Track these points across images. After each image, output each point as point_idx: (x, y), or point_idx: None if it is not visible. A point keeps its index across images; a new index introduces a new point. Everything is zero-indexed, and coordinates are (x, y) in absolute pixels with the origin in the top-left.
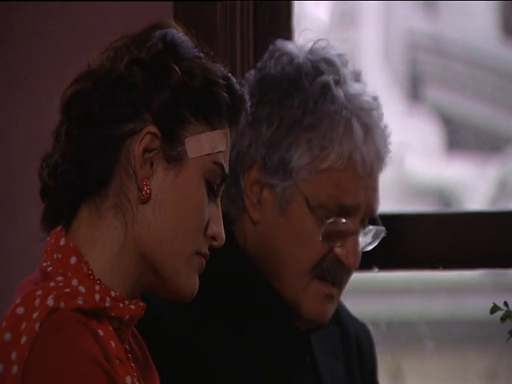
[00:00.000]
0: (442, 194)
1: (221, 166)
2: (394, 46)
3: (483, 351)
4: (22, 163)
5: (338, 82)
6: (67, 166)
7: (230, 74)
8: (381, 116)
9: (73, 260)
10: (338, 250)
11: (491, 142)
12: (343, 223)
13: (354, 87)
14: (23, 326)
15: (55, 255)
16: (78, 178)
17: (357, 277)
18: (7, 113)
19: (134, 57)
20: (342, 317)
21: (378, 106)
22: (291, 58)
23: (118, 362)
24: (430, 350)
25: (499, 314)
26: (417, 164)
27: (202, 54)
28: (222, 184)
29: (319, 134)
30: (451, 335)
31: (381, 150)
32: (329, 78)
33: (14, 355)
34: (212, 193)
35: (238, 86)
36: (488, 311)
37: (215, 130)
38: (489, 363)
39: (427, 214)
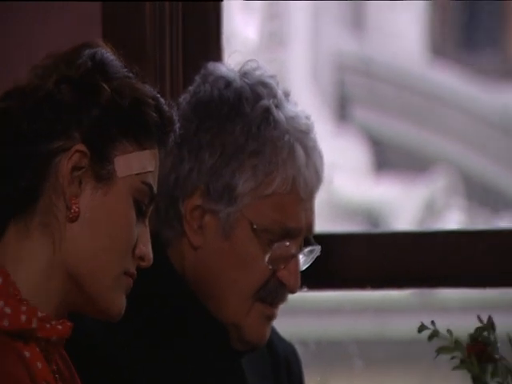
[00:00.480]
0: (370, 213)
1: (149, 186)
2: (323, 66)
3: (411, 370)
4: None
5: (277, 106)
6: None
7: (158, 95)
8: (316, 137)
9: None
10: (281, 273)
11: (418, 163)
12: (286, 246)
13: (290, 109)
14: None
15: None
16: (5, 195)
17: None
18: None
19: (62, 74)
20: (271, 338)
21: (313, 127)
22: (228, 82)
23: (44, 383)
24: (359, 369)
25: (427, 333)
26: (345, 184)
27: (131, 74)
28: (151, 204)
29: (264, 160)
30: (380, 354)
31: (319, 172)
32: (269, 102)
33: None
34: (140, 213)
35: (166, 107)
36: (416, 330)
37: (145, 149)
38: (417, 382)
39: (356, 234)
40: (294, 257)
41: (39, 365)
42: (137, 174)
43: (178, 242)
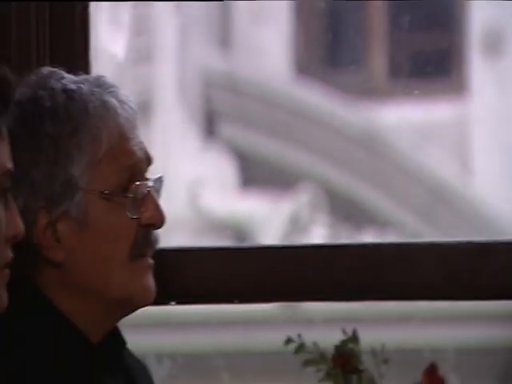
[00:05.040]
0: (236, 228)
1: (8, 172)
2: (190, 82)
3: (278, 382)
4: None
5: (61, 79)
6: None
7: None
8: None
9: None
10: (144, 217)
11: (284, 179)
12: (137, 186)
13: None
14: None
15: None
16: None
17: (154, 310)
18: None
19: None
20: (128, 363)
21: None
22: (23, 94)
23: None
24: (226, 382)
25: (293, 345)
26: (212, 199)
27: None
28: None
29: (84, 131)
30: (246, 367)
31: (132, 105)
32: (61, 84)
33: None
34: (4, 195)
35: None
36: (282, 343)
37: None
38: None
39: (222, 248)
40: (149, 193)
41: None
42: None
43: (40, 274)
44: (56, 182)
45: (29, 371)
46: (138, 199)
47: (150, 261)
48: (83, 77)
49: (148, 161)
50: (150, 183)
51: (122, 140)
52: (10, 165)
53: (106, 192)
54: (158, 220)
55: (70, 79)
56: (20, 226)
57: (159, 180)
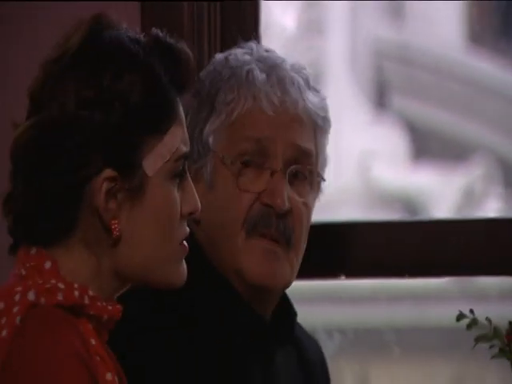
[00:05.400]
0: (408, 201)
1: (183, 156)
2: (361, 54)
3: (449, 358)
4: None
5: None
6: (29, 219)
7: (168, 45)
8: (289, 62)
9: (47, 264)
10: (264, 196)
11: (457, 150)
12: (260, 162)
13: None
14: (3, 320)
15: (28, 264)
16: (42, 229)
17: (324, 284)
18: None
19: (80, 99)
20: (298, 337)
21: (282, 57)
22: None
23: (98, 358)
24: (397, 357)
25: (465, 321)
26: (383, 172)
27: (138, 50)
28: (186, 161)
29: (222, 94)
30: (417, 342)
31: (290, 92)
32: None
33: None
34: (180, 178)
35: (180, 52)
36: (454, 319)
37: (167, 130)
38: (455, 370)
39: (393, 222)
40: (275, 175)
41: (93, 341)
42: (168, 160)
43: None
44: (194, 140)
45: (208, 343)
46: (257, 175)
47: (274, 247)
48: (250, 47)
49: (290, 151)
50: (279, 166)
51: (255, 111)
52: (185, 149)
53: (229, 160)
54: (276, 204)
55: (237, 50)
56: (195, 203)
57: (298, 174)
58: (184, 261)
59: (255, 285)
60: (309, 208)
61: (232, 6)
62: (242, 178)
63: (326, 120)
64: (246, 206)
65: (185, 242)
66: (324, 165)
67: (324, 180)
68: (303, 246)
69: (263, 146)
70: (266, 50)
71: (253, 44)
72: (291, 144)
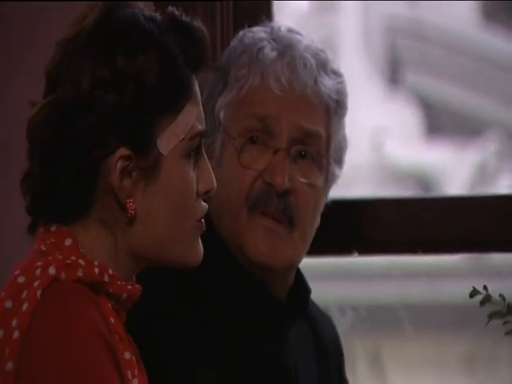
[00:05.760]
0: (421, 178)
1: (198, 134)
2: (374, 30)
3: (462, 335)
4: None
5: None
6: (46, 198)
7: (184, 23)
8: (305, 42)
9: (68, 241)
10: (265, 174)
11: (470, 127)
12: (265, 140)
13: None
14: (24, 294)
15: (48, 240)
16: (59, 208)
17: (336, 261)
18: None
19: (95, 79)
20: (312, 314)
21: (302, 37)
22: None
23: (117, 337)
24: (410, 334)
25: (479, 297)
26: (396, 148)
27: (152, 27)
28: (202, 139)
29: (234, 70)
30: (430, 319)
31: (300, 73)
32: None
33: (14, 322)
34: (196, 156)
35: (195, 31)
36: (467, 295)
37: (182, 109)
38: (468, 347)
39: (406, 199)
40: (277, 153)
41: (112, 319)
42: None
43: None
44: (207, 115)
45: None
46: (259, 153)
47: (275, 226)
48: (271, 26)
49: (295, 132)
50: (282, 145)
51: (262, 89)
52: (201, 127)
53: (234, 136)
54: (276, 182)
55: (257, 28)
56: (211, 182)
57: (301, 154)
58: (200, 240)
59: (256, 262)
60: (316, 189)
61: (245, 6)
62: (244, 154)
63: (339, 104)
64: (248, 182)
65: (202, 220)
66: (339, 150)
67: (339, 165)
68: (310, 226)
69: (268, 124)
70: (290, 30)
71: (276, 23)
72: (296, 124)
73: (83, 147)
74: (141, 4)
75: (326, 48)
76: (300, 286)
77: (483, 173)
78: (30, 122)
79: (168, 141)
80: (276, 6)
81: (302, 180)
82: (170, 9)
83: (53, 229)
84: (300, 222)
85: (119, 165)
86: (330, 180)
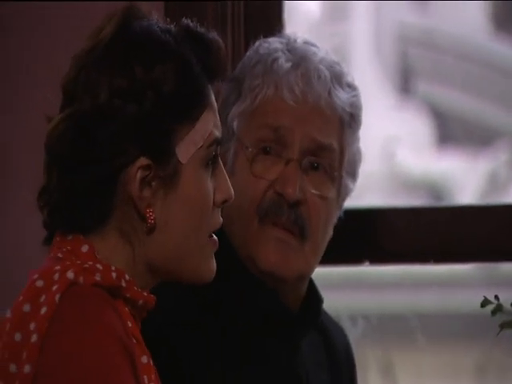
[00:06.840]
0: (432, 187)
1: (215, 141)
2: (385, 39)
3: (474, 345)
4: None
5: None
6: (64, 210)
7: (200, 34)
8: (320, 55)
9: (84, 248)
10: (276, 184)
11: (482, 136)
12: (278, 150)
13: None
14: (42, 298)
15: (64, 248)
16: (77, 218)
17: (348, 270)
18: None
19: (113, 89)
20: (324, 324)
21: (317, 49)
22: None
23: (134, 341)
24: (421, 343)
25: (490, 307)
26: (407, 157)
27: (168, 39)
28: (218, 147)
29: (248, 80)
30: (442, 329)
31: (314, 85)
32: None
33: (32, 326)
34: (214, 164)
35: (211, 40)
36: (479, 305)
37: (199, 117)
38: (479, 357)
39: (418, 208)
40: (289, 164)
41: (129, 323)
42: (201, 146)
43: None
44: (225, 123)
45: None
46: (271, 163)
47: (285, 236)
48: (287, 37)
49: (307, 143)
50: (294, 155)
51: (275, 100)
52: (217, 133)
53: (247, 146)
54: (287, 193)
55: (273, 38)
56: (228, 191)
57: (314, 166)
58: (214, 257)
59: (266, 272)
60: (327, 202)
61: (256, 6)
62: (257, 164)
63: (353, 117)
64: (260, 192)
65: (214, 236)
66: (353, 163)
67: (353, 178)
68: (322, 239)
69: (281, 134)
70: (306, 42)
71: (292, 34)
72: (309, 136)
73: (102, 158)
74: (152, 7)
75: (338, 57)
76: (312, 296)
77: (494, 182)
78: (48, 136)
79: (187, 149)
80: (287, 6)
81: (314, 191)
82: (185, 20)
83: (69, 237)
84: (312, 234)
85: (139, 174)
86: (342, 193)
